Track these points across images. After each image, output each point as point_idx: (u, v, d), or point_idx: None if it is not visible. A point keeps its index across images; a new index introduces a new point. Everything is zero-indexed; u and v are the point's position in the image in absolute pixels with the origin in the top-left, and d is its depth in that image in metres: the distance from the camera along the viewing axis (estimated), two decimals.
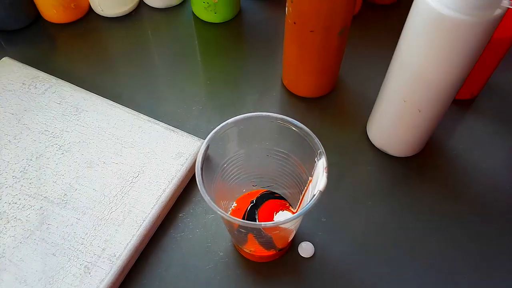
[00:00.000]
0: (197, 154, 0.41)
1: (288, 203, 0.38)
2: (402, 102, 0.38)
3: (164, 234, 0.40)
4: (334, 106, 0.48)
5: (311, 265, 0.38)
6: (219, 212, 0.28)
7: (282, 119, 0.32)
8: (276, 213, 0.37)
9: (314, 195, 0.28)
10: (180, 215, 0.41)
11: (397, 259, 0.38)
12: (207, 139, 0.31)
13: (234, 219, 0.28)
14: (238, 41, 0.54)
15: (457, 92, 0.37)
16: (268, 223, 0.27)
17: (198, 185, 0.29)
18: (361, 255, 0.39)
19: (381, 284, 0.37)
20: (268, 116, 0.32)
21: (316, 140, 0.30)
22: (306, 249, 0.39)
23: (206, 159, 0.31)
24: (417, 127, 0.40)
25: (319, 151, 0.30)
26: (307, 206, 0.28)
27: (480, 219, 0.41)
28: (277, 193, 0.38)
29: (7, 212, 0.38)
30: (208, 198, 0.28)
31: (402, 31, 0.35)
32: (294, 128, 0.32)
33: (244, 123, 0.33)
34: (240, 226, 0.32)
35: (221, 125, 0.32)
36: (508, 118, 0.47)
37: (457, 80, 0.35)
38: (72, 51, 0.53)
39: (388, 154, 0.44)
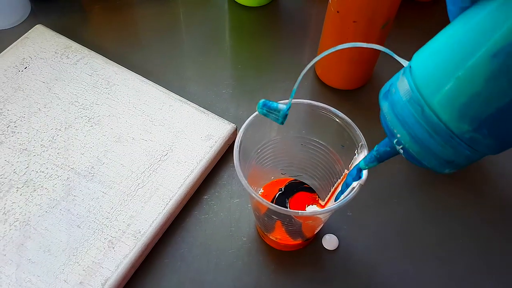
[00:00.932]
0: (226, 138, 0.41)
1: (317, 196, 0.38)
2: None
3: (189, 214, 0.39)
4: (366, 101, 0.47)
5: (334, 258, 0.38)
6: (254, 196, 0.28)
7: (324, 108, 0.31)
8: (307, 206, 0.36)
9: (354, 188, 0.28)
10: (205, 197, 0.40)
11: (420, 258, 0.38)
12: (245, 124, 0.31)
13: (273, 205, 0.27)
14: (273, 26, 0.54)
15: None
16: (306, 212, 0.27)
17: (237, 171, 0.29)
18: (385, 252, 0.38)
19: (403, 282, 0.37)
20: (310, 104, 0.32)
21: (359, 132, 0.30)
22: (330, 242, 0.38)
23: (243, 141, 0.31)
24: None
25: (360, 144, 0.30)
26: (346, 198, 0.27)
27: (509, 222, 0.40)
28: (305, 184, 0.38)
29: (34, 180, 0.38)
30: (247, 184, 0.28)
31: None
32: (336, 119, 0.31)
33: None
34: (270, 211, 0.31)
35: None
36: None
37: None
38: (104, 24, 0.52)
39: None
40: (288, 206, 0.36)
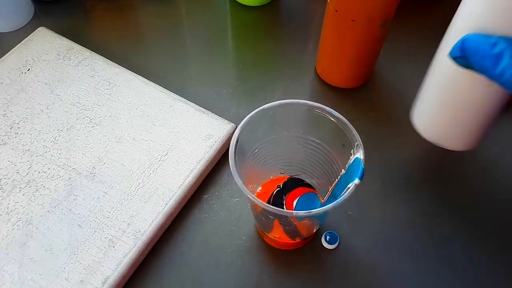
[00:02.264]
0: (226, 137, 0.41)
1: (317, 192, 0.38)
2: (458, 94, 0.34)
3: (189, 214, 0.40)
4: (367, 99, 0.47)
5: (334, 257, 0.38)
6: (250, 197, 0.28)
7: (319, 108, 0.31)
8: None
9: (349, 187, 0.28)
10: (205, 196, 0.41)
11: (421, 258, 0.38)
12: (241, 123, 0.31)
13: (267, 205, 0.27)
14: (274, 25, 0.54)
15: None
16: (300, 212, 0.27)
17: (232, 169, 0.29)
18: (385, 251, 0.38)
19: (403, 281, 0.37)
20: (305, 104, 0.32)
21: (354, 132, 0.30)
22: (330, 240, 0.38)
23: (239, 141, 0.31)
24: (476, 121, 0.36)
25: (356, 144, 0.30)
26: (341, 198, 0.27)
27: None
28: (305, 181, 0.38)
29: (36, 181, 0.39)
30: (241, 183, 0.28)
31: (447, 31, 0.33)
32: (331, 118, 0.31)
33: (281, 108, 0.32)
34: (266, 211, 0.31)
35: (256, 110, 0.32)
36: None
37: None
38: (106, 25, 0.53)
39: (417, 150, 0.43)
40: (285, 202, 0.36)
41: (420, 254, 0.38)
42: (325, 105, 0.31)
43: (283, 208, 0.36)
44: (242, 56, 0.51)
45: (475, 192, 0.41)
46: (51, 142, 0.41)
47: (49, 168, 0.40)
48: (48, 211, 0.37)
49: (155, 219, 0.37)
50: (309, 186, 0.38)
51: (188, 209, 0.40)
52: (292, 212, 0.27)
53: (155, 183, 0.39)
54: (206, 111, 0.43)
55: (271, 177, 0.39)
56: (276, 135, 0.35)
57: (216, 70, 0.49)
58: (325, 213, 0.31)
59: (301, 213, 0.27)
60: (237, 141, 0.31)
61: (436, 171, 0.43)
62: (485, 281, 0.37)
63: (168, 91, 0.44)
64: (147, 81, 0.45)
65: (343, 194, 0.28)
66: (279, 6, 0.55)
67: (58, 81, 0.45)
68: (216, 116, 0.43)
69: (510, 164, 0.43)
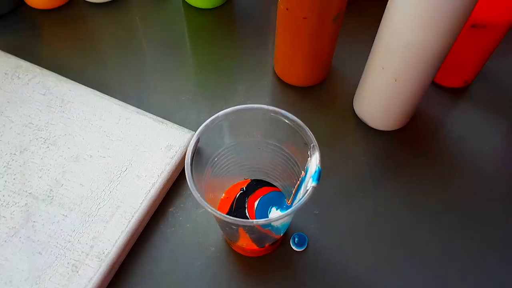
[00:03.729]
0: (187, 147, 0.40)
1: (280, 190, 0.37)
2: (381, 69, 0.37)
3: (154, 229, 0.39)
4: (327, 95, 0.47)
5: (303, 258, 0.38)
6: (210, 210, 0.27)
7: (274, 111, 0.31)
8: (270, 210, 0.36)
9: (307, 190, 0.27)
10: (170, 209, 0.40)
11: (390, 252, 0.38)
12: (197, 132, 0.30)
13: (226, 217, 0.27)
14: (229, 28, 0.53)
15: (436, 67, 0.36)
16: (261, 221, 0.27)
17: (188, 182, 0.28)
18: (355, 248, 0.38)
19: (375, 277, 0.37)
20: (260, 108, 0.31)
21: (309, 133, 0.29)
22: (299, 243, 0.38)
23: (197, 152, 0.30)
24: (394, 98, 0.39)
25: (312, 145, 0.29)
26: (300, 201, 0.27)
27: (473, 206, 0.40)
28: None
29: None
30: (199, 195, 0.27)
31: None
32: (286, 121, 0.31)
33: (235, 115, 0.31)
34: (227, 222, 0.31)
35: (212, 118, 0.31)
36: (501, 105, 0.47)
37: (436, 48, 0.34)
38: (57, 39, 0.51)
39: (377, 144, 0.43)
40: (247, 205, 0.36)
41: (387, 248, 0.38)
42: (285, 105, 0.31)
43: (245, 211, 0.36)
44: (200, 61, 0.50)
45: (439, 180, 0.42)
46: (4, 167, 0.39)
47: (3, 196, 0.38)
48: (5, 241, 0.36)
49: (118, 238, 0.36)
50: (272, 185, 0.37)
51: (153, 225, 0.39)
52: (253, 221, 0.27)
53: (116, 201, 0.38)
54: (164, 121, 0.42)
55: (235, 182, 0.38)
56: (235, 142, 0.34)
57: (174, 77, 0.48)
58: (285, 218, 0.30)
59: (261, 221, 0.27)
60: (193, 152, 0.30)
61: (397, 163, 0.43)
62: (453, 271, 0.37)
63: (124, 104, 0.43)
64: (102, 94, 0.44)
65: (302, 197, 0.27)
66: (233, 8, 0.54)
67: (8, 102, 0.43)
68: (175, 126, 0.42)
69: (470, 146, 0.44)
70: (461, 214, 0.40)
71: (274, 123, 0.32)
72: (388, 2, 0.35)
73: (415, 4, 0.32)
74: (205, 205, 0.27)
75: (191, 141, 0.30)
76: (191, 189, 0.28)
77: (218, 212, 0.27)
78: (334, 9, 0.38)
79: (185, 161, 0.29)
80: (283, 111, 0.31)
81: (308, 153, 0.30)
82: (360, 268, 0.37)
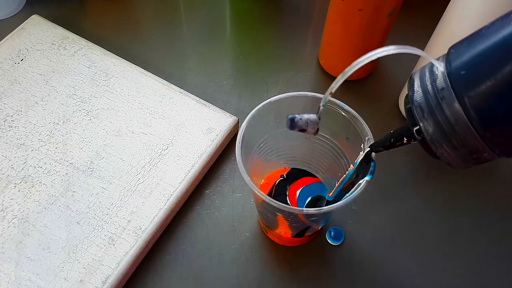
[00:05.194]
0: (228, 131, 0.40)
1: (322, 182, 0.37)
2: None
3: (191, 210, 0.39)
4: (371, 90, 0.46)
5: (338, 253, 0.37)
6: (258, 193, 0.27)
7: (329, 101, 0.30)
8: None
9: (361, 183, 0.27)
10: (207, 191, 0.40)
11: (426, 254, 0.37)
12: (248, 116, 0.30)
13: (277, 202, 0.26)
14: (274, 15, 0.52)
15: None
16: (311, 210, 0.26)
17: (239, 165, 0.28)
18: (390, 247, 0.37)
19: (408, 277, 0.36)
20: (313, 96, 0.31)
21: (365, 125, 0.29)
22: (335, 237, 0.37)
23: (245, 136, 0.30)
24: None
25: (367, 138, 0.29)
26: (352, 194, 0.26)
27: None
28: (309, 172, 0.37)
29: (32, 176, 0.37)
30: (248, 178, 0.27)
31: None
32: (341, 111, 0.30)
33: (286, 102, 0.31)
34: (268, 205, 0.30)
35: (263, 103, 0.31)
36: None
37: None
38: (102, 14, 0.51)
39: None
40: (288, 193, 0.35)
41: (425, 249, 0.37)
42: None
43: (286, 198, 0.35)
44: (243, 47, 0.50)
45: (481, 186, 0.41)
46: (46, 135, 0.40)
47: (45, 163, 0.38)
48: (45, 208, 0.36)
49: (156, 215, 0.36)
50: (313, 176, 0.37)
51: (189, 205, 0.39)
52: (303, 210, 0.26)
53: (155, 178, 0.38)
54: (207, 103, 0.42)
55: (275, 169, 0.37)
56: (282, 129, 0.34)
57: (216, 62, 0.48)
58: (333, 211, 0.30)
59: (311, 210, 0.26)
60: (243, 136, 0.29)
61: (439, 165, 0.42)
62: (492, 277, 0.36)
63: (168, 83, 0.43)
64: (146, 72, 0.44)
65: (354, 190, 0.27)
66: None
67: (53, 72, 0.43)
68: (217, 109, 0.42)
69: None
70: (501, 222, 0.39)
71: (327, 113, 0.31)
72: (449, 5, 0.34)
73: (478, 10, 0.31)
74: (254, 188, 0.27)
75: (242, 124, 0.30)
76: (241, 171, 0.27)
77: (267, 197, 0.27)
78: (391, 4, 0.37)
79: (236, 144, 0.29)
80: (338, 101, 0.30)
81: (362, 146, 0.29)
82: (395, 268, 0.37)
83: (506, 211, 0.39)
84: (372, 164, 0.27)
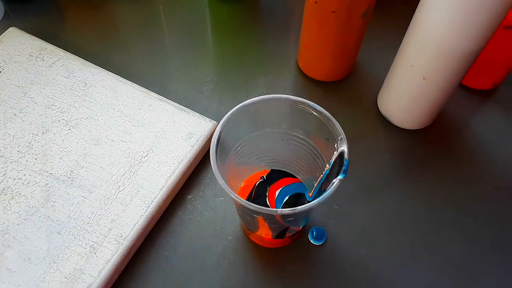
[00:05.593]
0: (208, 136, 0.40)
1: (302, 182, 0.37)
2: (409, 67, 0.37)
3: (172, 215, 0.39)
4: (350, 92, 0.46)
5: (321, 253, 0.37)
6: (234, 197, 0.27)
7: (301, 102, 0.30)
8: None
9: (334, 182, 0.27)
10: (189, 197, 0.40)
11: (410, 251, 0.37)
12: (223, 120, 0.30)
13: (251, 205, 0.26)
14: (253, 19, 0.53)
15: (467, 67, 0.36)
16: (286, 210, 0.26)
17: (213, 168, 0.28)
18: (373, 245, 0.38)
19: (393, 275, 0.36)
20: (287, 99, 0.31)
21: (338, 125, 0.29)
22: (317, 237, 0.38)
23: (221, 140, 0.30)
24: (421, 97, 0.39)
25: (340, 138, 0.29)
26: (325, 194, 0.27)
27: (497, 210, 0.39)
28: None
29: (12, 188, 0.37)
30: (223, 182, 0.27)
31: None
32: (314, 112, 0.30)
33: (261, 104, 0.31)
34: (248, 209, 0.30)
35: (238, 106, 0.31)
36: None
37: (468, 48, 0.33)
38: (81, 24, 0.51)
39: (402, 142, 0.43)
40: (268, 194, 0.36)
41: (408, 246, 0.38)
42: (307, 99, 0.31)
43: (266, 200, 0.36)
44: (223, 52, 0.50)
45: (462, 182, 0.41)
46: (26, 147, 0.39)
47: (24, 174, 0.38)
48: (25, 219, 0.36)
49: (137, 222, 0.36)
50: (294, 177, 0.37)
51: (171, 211, 0.39)
52: (277, 211, 0.27)
53: (136, 186, 0.38)
54: (186, 109, 0.42)
55: (255, 171, 0.38)
56: (259, 132, 0.34)
57: (196, 67, 0.48)
58: (309, 210, 0.30)
59: (286, 211, 0.26)
60: (218, 139, 0.30)
61: (420, 162, 0.42)
62: (478, 274, 0.37)
63: (147, 90, 0.43)
64: (124, 80, 0.44)
65: (328, 190, 0.27)
66: (258, 0, 0.54)
67: (32, 83, 0.43)
68: (197, 114, 0.42)
69: (494, 148, 0.43)
70: (481, 216, 0.39)
71: (301, 115, 0.31)
72: (420, 1, 0.34)
73: (449, 4, 0.31)
74: (230, 192, 0.27)
75: (217, 128, 0.30)
76: (216, 176, 0.28)
77: (243, 200, 0.27)
78: (364, 4, 0.38)
79: (211, 148, 0.29)
80: (311, 103, 0.30)
81: (335, 146, 0.29)
82: (378, 266, 0.37)
83: (489, 204, 0.40)
84: (345, 163, 0.28)
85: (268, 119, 0.33)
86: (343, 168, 0.27)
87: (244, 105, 0.31)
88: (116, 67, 0.46)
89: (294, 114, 0.32)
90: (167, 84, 0.46)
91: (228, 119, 0.30)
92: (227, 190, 0.27)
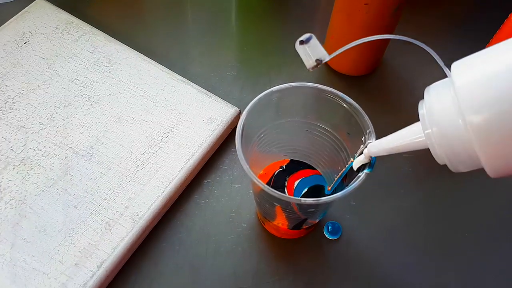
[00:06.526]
0: (229, 122, 0.40)
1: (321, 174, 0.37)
2: None
3: (189, 199, 0.38)
4: (375, 87, 0.46)
5: (335, 247, 0.37)
6: (257, 182, 0.27)
7: (331, 92, 0.30)
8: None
9: (360, 176, 0.27)
10: (206, 181, 0.39)
11: (424, 250, 0.37)
12: (249, 105, 0.30)
13: (275, 191, 0.26)
14: (281, 8, 0.52)
15: None
16: (309, 200, 0.26)
17: (238, 154, 0.27)
18: (388, 243, 0.37)
19: (406, 273, 0.36)
20: (315, 87, 0.30)
21: (367, 118, 0.29)
22: (332, 231, 0.37)
23: (246, 126, 0.30)
24: None
25: (368, 131, 0.28)
26: (351, 186, 0.26)
27: None
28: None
29: (31, 159, 0.37)
30: (248, 167, 0.27)
31: None
32: (343, 103, 0.30)
33: (288, 92, 0.31)
34: (266, 195, 0.30)
35: (265, 92, 0.30)
36: None
37: None
38: (107, 1, 0.51)
39: None
40: (286, 184, 0.35)
41: (423, 246, 0.37)
42: None
43: (284, 190, 0.35)
44: (247, 38, 0.50)
45: (480, 185, 0.40)
46: (47, 119, 0.39)
47: (44, 146, 0.38)
48: (42, 191, 0.36)
49: (154, 202, 0.36)
50: (313, 168, 0.37)
51: (187, 194, 0.39)
52: (301, 200, 0.26)
53: (154, 166, 0.37)
54: (209, 93, 0.42)
55: (275, 160, 0.37)
56: (283, 120, 0.34)
57: (219, 52, 0.48)
58: (331, 203, 0.30)
59: (309, 200, 0.26)
60: (243, 125, 0.29)
61: (440, 164, 0.41)
62: (490, 274, 0.36)
63: (170, 71, 0.43)
64: (149, 59, 0.44)
65: (353, 183, 0.27)
66: None
67: (56, 56, 0.43)
68: (219, 99, 0.41)
69: None
70: (506, 218, 0.39)
71: (327, 105, 0.31)
72: None
73: None
74: (253, 177, 0.27)
75: (243, 113, 0.29)
76: (240, 159, 0.27)
77: (266, 185, 0.26)
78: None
79: (236, 132, 0.29)
80: (340, 93, 0.30)
81: (362, 139, 0.29)
82: (392, 264, 0.36)
83: (508, 209, 0.39)
84: (373, 157, 0.27)
85: (293, 107, 0.33)
86: (370, 162, 0.27)
87: (272, 91, 0.30)
88: (140, 46, 0.46)
89: (320, 104, 0.32)
90: (189, 67, 0.46)
91: (255, 105, 0.30)
92: (250, 174, 0.27)
